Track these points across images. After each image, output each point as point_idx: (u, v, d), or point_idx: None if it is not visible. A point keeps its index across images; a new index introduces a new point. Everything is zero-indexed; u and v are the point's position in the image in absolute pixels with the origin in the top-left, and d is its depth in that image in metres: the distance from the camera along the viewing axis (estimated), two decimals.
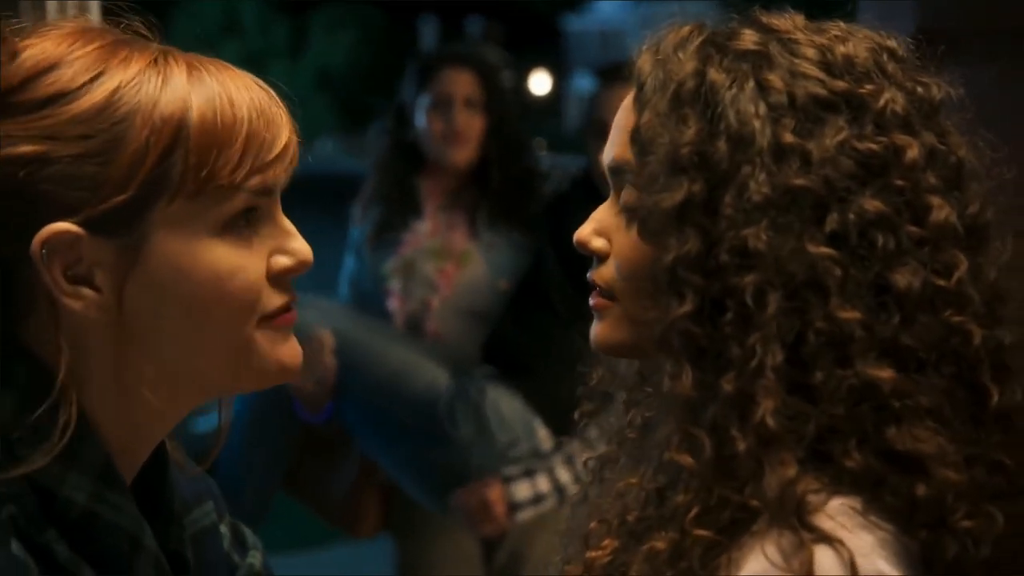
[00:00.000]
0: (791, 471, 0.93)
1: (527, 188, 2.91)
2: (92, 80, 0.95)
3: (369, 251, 2.93)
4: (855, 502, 0.95)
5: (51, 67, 0.96)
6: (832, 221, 0.97)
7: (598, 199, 2.97)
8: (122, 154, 0.94)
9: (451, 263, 2.88)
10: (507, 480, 2.67)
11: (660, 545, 0.97)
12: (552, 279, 2.79)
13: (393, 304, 2.88)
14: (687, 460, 0.96)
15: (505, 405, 2.70)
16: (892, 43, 1.05)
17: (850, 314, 0.95)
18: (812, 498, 0.93)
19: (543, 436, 2.71)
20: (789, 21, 1.05)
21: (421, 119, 2.89)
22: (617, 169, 1.08)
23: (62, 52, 0.96)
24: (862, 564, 0.90)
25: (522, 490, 2.67)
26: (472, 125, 2.86)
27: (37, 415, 0.93)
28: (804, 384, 0.96)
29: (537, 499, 2.68)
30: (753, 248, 0.96)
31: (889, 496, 0.95)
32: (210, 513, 1.14)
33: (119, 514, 0.96)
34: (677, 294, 0.98)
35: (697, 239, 0.97)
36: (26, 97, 0.95)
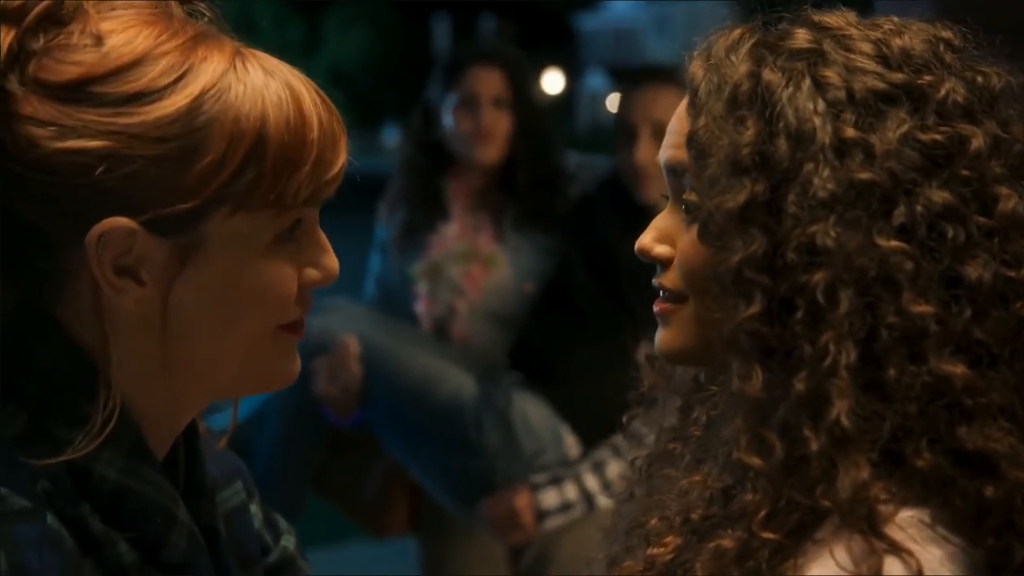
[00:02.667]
0: (864, 472, 0.92)
1: (554, 189, 2.87)
2: (176, 81, 0.94)
3: (396, 252, 2.90)
4: (923, 514, 0.93)
5: (136, 62, 0.94)
6: (900, 214, 0.96)
7: (625, 201, 2.96)
8: (198, 163, 0.94)
9: (477, 266, 2.86)
10: (535, 488, 2.65)
11: (727, 544, 0.96)
12: (578, 282, 2.76)
13: (420, 307, 2.86)
14: (756, 462, 0.95)
15: (532, 412, 2.68)
16: (948, 33, 1.04)
17: (923, 308, 0.94)
18: (882, 508, 0.92)
19: (570, 443, 2.69)
20: (841, 18, 1.04)
21: (448, 118, 2.86)
22: (674, 170, 1.07)
23: (148, 47, 0.95)
24: None
25: (550, 498, 2.65)
26: (500, 124, 2.83)
27: (77, 402, 0.95)
28: (877, 382, 0.94)
29: (565, 507, 2.66)
30: (822, 245, 0.95)
31: (958, 500, 0.94)
32: (239, 492, 1.15)
33: (152, 488, 0.97)
34: (744, 295, 0.97)
35: (763, 239, 0.97)
36: (109, 90, 0.93)
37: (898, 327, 0.94)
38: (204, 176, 0.94)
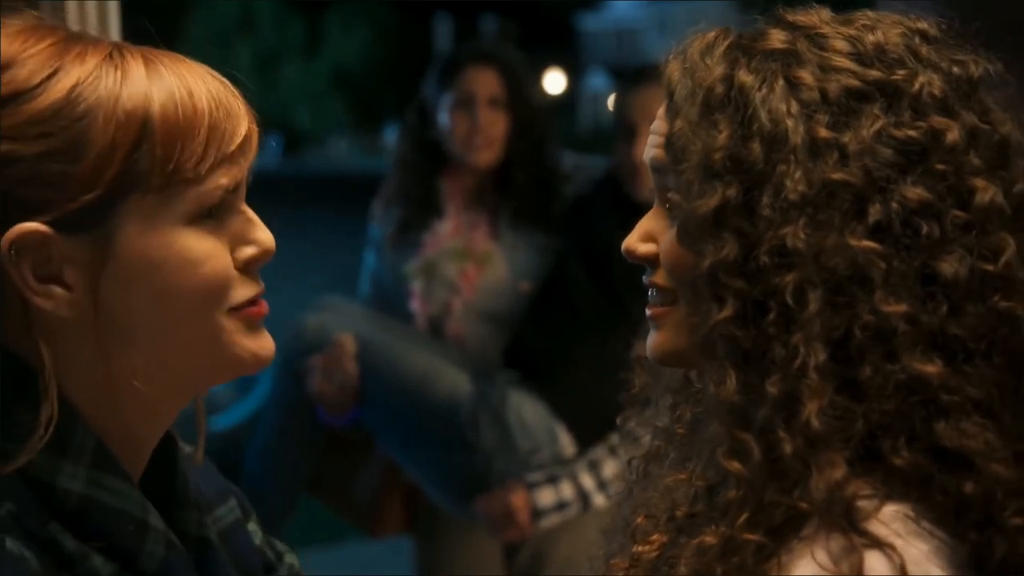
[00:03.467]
0: (839, 472, 0.92)
1: (550, 189, 2.87)
2: (48, 78, 0.95)
3: (390, 250, 2.90)
4: (907, 509, 0.94)
5: (5, 66, 0.95)
6: (874, 212, 0.96)
7: (622, 200, 2.95)
8: (88, 152, 0.94)
9: (473, 264, 2.86)
10: (531, 486, 2.65)
11: (710, 540, 0.96)
12: (574, 281, 2.76)
13: (415, 305, 2.86)
14: (735, 466, 0.96)
15: (527, 411, 2.68)
16: (923, 25, 1.03)
17: (896, 307, 0.94)
18: (864, 504, 0.93)
19: (565, 442, 2.69)
20: (815, 16, 1.04)
21: (444, 118, 2.86)
22: (657, 170, 1.08)
23: (15, 51, 0.96)
24: (914, 572, 0.90)
25: (546, 496, 2.65)
26: (496, 125, 2.83)
27: (19, 412, 0.94)
28: (851, 381, 0.94)
29: (561, 506, 2.66)
30: (792, 246, 0.95)
31: (939, 495, 0.94)
32: (234, 509, 1.15)
33: (119, 498, 0.96)
34: (717, 299, 0.97)
35: (735, 243, 0.97)
36: None
37: (872, 326, 0.94)
38: (99, 164, 0.94)
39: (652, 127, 1.08)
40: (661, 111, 1.07)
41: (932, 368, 0.94)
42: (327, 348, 2.67)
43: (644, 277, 1.10)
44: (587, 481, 2.65)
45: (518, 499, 2.62)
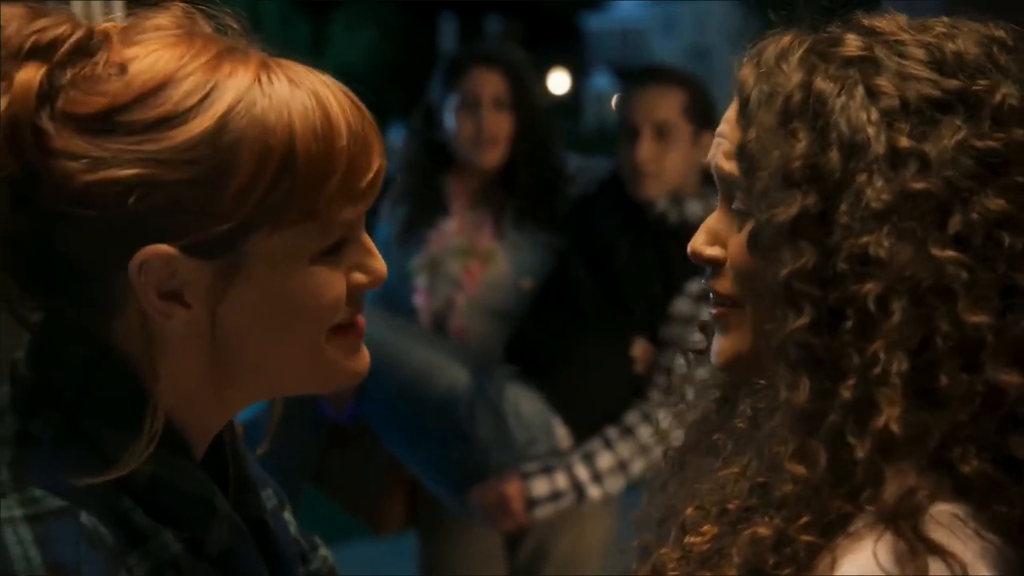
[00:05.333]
0: (911, 479, 0.92)
1: (554, 189, 2.89)
2: (201, 101, 0.94)
3: (396, 247, 2.92)
4: (958, 509, 0.93)
5: (160, 87, 0.94)
6: (955, 223, 0.95)
7: (624, 201, 2.98)
8: (230, 183, 0.93)
9: (476, 262, 2.88)
10: (525, 476, 2.66)
11: (764, 532, 0.96)
12: (576, 280, 2.78)
13: (419, 300, 2.89)
14: (800, 471, 0.95)
15: (524, 404, 2.69)
16: (1001, 33, 1.02)
17: (979, 318, 0.93)
18: (917, 503, 0.92)
19: (561, 435, 2.71)
20: (892, 21, 1.02)
21: (450, 119, 2.88)
22: (723, 178, 1.06)
23: (172, 69, 0.95)
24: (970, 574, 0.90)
25: (540, 486, 2.67)
26: (501, 126, 2.86)
27: (125, 416, 0.95)
28: (927, 390, 0.94)
29: (555, 496, 2.67)
30: (874, 255, 0.94)
31: (1004, 505, 0.93)
32: (271, 498, 1.16)
33: (187, 479, 0.97)
34: (794, 306, 0.96)
35: (813, 251, 0.96)
36: (135, 118, 0.93)
37: (952, 336, 0.93)
38: (238, 195, 0.93)
39: (719, 130, 1.06)
40: (731, 116, 1.05)
41: (1013, 379, 0.93)
42: None
43: (704, 280, 1.08)
44: (582, 473, 2.67)
45: (512, 488, 2.63)
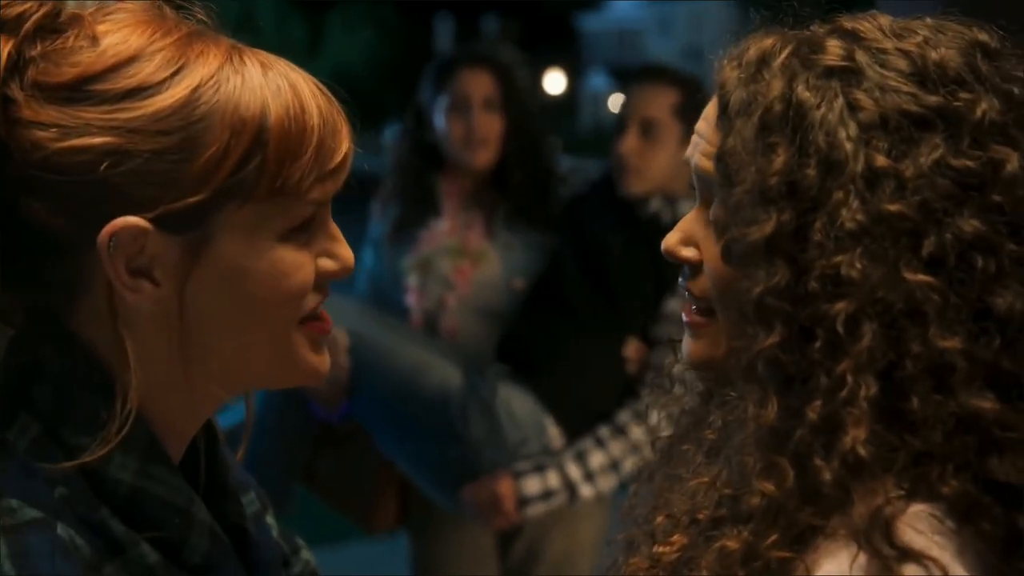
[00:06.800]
0: (880, 499, 0.91)
1: (545, 189, 2.90)
2: (173, 75, 0.95)
3: (388, 247, 2.93)
4: (936, 510, 0.92)
5: (132, 58, 0.95)
6: (929, 245, 0.93)
7: (617, 201, 2.98)
8: (201, 154, 0.94)
9: (467, 262, 2.89)
10: (517, 475, 2.67)
11: (732, 545, 0.95)
12: (569, 279, 2.79)
13: (410, 300, 2.90)
14: (769, 488, 0.94)
15: (516, 403, 2.70)
16: (983, 36, 1.00)
17: (950, 342, 0.92)
18: (889, 509, 0.91)
19: (553, 434, 2.71)
20: (875, 24, 1.01)
21: (440, 120, 2.89)
22: (701, 177, 1.05)
23: (143, 43, 0.96)
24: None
25: (532, 485, 2.67)
26: (491, 127, 2.87)
27: (90, 403, 0.95)
28: (897, 412, 0.93)
29: (547, 495, 2.68)
30: (846, 276, 0.93)
31: (987, 524, 0.93)
32: (254, 501, 1.16)
33: (166, 489, 0.97)
34: (765, 324, 0.95)
35: (786, 269, 0.95)
36: (106, 87, 0.94)
37: (923, 359, 0.92)
38: (209, 168, 0.94)
39: (698, 129, 1.06)
40: (711, 115, 1.04)
41: (986, 404, 0.92)
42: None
43: (681, 280, 1.08)
44: (574, 471, 2.68)
45: (504, 487, 2.64)
